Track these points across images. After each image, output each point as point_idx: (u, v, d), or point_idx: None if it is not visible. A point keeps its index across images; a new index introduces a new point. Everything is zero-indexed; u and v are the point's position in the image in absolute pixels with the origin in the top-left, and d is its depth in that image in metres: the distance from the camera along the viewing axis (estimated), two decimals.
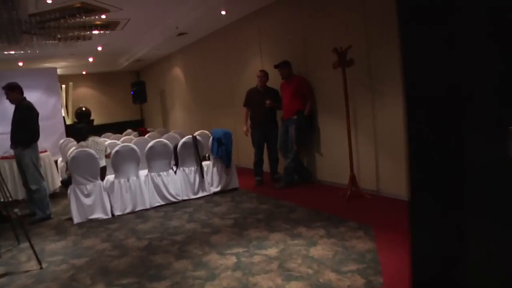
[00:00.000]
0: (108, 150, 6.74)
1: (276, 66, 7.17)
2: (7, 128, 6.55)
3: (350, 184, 6.04)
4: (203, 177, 6.98)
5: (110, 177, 6.54)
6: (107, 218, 6.28)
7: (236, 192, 7.16)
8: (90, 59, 13.98)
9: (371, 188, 6.13)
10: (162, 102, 14.86)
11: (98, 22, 9.18)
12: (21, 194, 7.60)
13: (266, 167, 7.63)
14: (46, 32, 9.19)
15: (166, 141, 6.79)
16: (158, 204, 6.65)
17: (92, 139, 6.67)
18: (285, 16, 7.68)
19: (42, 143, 8.87)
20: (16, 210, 4.68)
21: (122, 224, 5.93)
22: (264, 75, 7.45)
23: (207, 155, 7.35)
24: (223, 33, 9.88)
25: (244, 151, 8.13)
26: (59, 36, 9.74)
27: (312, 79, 7.03)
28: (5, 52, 11.08)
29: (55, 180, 8.34)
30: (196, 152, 6.94)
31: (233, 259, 4.17)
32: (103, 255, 4.72)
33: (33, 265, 4.60)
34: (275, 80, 7.38)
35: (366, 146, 6.15)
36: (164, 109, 14.72)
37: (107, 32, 9.97)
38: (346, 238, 4.45)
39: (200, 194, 6.97)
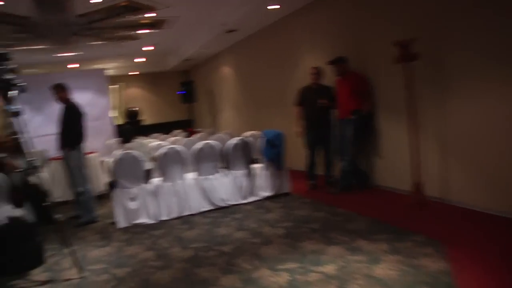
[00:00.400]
0: (155, 153, 6.47)
1: (330, 63, 6.67)
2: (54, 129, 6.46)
3: (414, 191, 5.46)
4: (253, 180, 6.58)
5: (155, 180, 6.26)
6: (152, 223, 6.00)
7: (287, 197, 6.70)
8: (142, 59, 13.99)
9: (437, 195, 5.52)
10: (211, 102, 14.63)
11: (144, 21, 9.01)
12: (70, 195, 7.47)
13: (320, 169, 7.13)
14: (93, 33, 9.13)
15: (214, 142, 6.43)
16: (205, 209, 6.30)
17: (137, 141, 6.43)
18: (338, 9, 7.17)
19: (91, 144, 8.84)
20: (59, 215, 4.44)
21: (167, 230, 5.61)
22: (317, 72, 6.96)
23: (257, 157, 6.93)
24: (273, 30, 9.46)
25: (296, 152, 7.67)
26: (106, 36, 9.66)
27: (368, 76, 6.49)
28: (56, 55, 11.18)
29: (102, 182, 8.19)
30: (246, 154, 6.55)
31: (286, 276, 3.73)
32: (146, 266, 4.40)
33: (74, 273, 4.37)
34: (329, 78, 6.88)
35: (433, 150, 5.53)
36: (213, 109, 14.48)
37: (154, 31, 9.80)
38: (414, 255, 3.91)
39: (250, 199, 6.57)
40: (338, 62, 6.61)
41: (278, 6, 7.99)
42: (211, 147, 6.34)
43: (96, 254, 4.97)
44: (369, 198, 6.18)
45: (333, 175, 6.99)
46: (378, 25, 6.26)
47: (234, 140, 6.54)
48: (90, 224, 6.38)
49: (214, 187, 6.34)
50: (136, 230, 5.77)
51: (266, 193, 6.68)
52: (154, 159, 6.36)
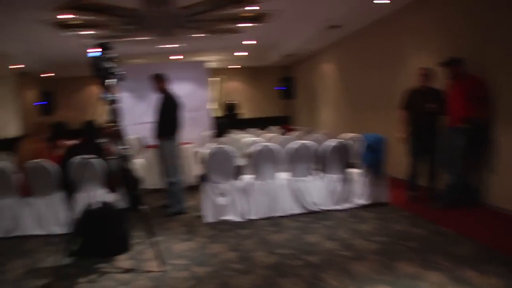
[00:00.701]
0: (248, 149, 6.29)
1: (443, 64, 6.00)
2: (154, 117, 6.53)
3: None
4: (349, 186, 6.16)
5: (246, 177, 6.08)
6: (239, 222, 5.83)
7: (385, 208, 6.17)
8: (243, 53, 14.01)
9: None
10: (310, 100, 14.28)
11: (247, 14, 8.88)
12: (163, 184, 7.57)
13: (422, 180, 6.50)
14: (196, 25, 9.18)
15: (311, 142, 6.09)
16: (295, 212, 6.00)
17: (232, 135, 6.29)
18: (454, 5, 6.46)
19: (188, 134, 8.93)
20: (145, 206, 4.40)
21: (254, 231, 5.40)
22: (426, 74, 6.31)
23: (355, 162, 6.48)
24: (379, 27, 8.87)
25: (397, 159, 7.07)
26: (209, 29, 9.70)
27: (487, 80, 5.75)
28: (160, 46, 11.49)
29: (194, 173, 8.22)
30: (343, 158, 6.14)
31: None
32: (227, 268, 4.22)
33: (156, 265, 4.33)
34: (440, 81, 6.23)
35: None
36: (312, 107, 14.11)
37: (256, 25, 9.65)
38: None
39: (344, 206, 6.15)
40: (452, 64, 5.94)
41: (387, 1, 7.43)
42: (306, 147, 6.01)
43: (180, 248, 4.90)
44: (477, 218, 5.49)
45: (437, 188, 6.33)
46: (503, 24, 5.51)
47: (332, 142, 6.16)
48: (178, 215, 6.38)
49: (306, 189, 6.02)
50: (222, 227, 5.63)
51: (362, 201, 6.22)
52: (247, 155, 6.19)
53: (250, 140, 7.17)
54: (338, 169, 6.17)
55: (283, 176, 6.10)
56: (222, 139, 6.13)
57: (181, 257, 4.61)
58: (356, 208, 6.16)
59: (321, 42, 11.51)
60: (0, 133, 9.82)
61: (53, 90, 14.44)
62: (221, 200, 5.89)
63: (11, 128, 10.45)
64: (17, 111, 11.00)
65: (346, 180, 6.17)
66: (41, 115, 13.53)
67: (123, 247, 4.89)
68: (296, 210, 6.02)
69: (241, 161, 6.12)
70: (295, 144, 6.04)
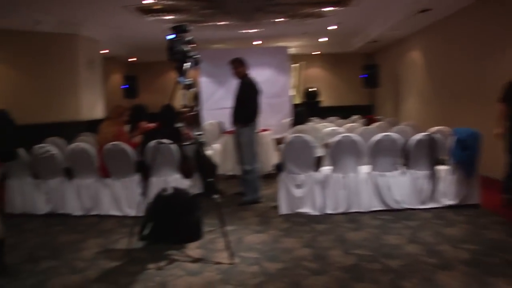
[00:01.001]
0: (327, 139, 5.97)
1: None
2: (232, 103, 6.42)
3: None
4: (435, 184, 5.65)
5: (325, 169, 5.76)
6: (316, 215, 5.55)
7: (475, 210, 5.57)
8: (323, 39, 13.57)
9: None
10: (394, 89, 13.55)
11: None
12: (239, 171, 7.47)
13: None
14: (278, 9, 8.90)
15: (396, 135, 5.62)
16: (375, 208, 5.60)
17: (311, 124, 5.99)
18: None
19: (267, 120, 8.74)
20: (216, 196, 4.26)
21: (331, 226, 5.10)
22: None
23: (444, 158, 5.94)
24: (475, 9, 8.05)
25: (492, 157, 6.39)
26: (291, 13, 9.38)
27: None
28: (241, 31, 11.35)
29: (272, 161, 8.03)
30: (431, 153, 5.62)
31: None
32: (300, 266, 3.97)
33: (225, 257, 4.17)
34: None
35: None
36: (396, 97, 13.39)
37: (339, 9, 9.20)
38: None
39: (429, 205, 5.66)
40: None
41: None
42: (392, 140, 5.56)
43: (251, 240, 4.72)
44: None
45: None
46: None
47: (418, 135, 5.66)
48: (253, 204, 6.22)
49: (389, 185, 5.59)
50: (297, 220, 5.38)
51: (449, 201, 5.68)
52: (326, 146, 5.87)
53: (330, 129, 6.82)
54: (424, 164, 5.67)
55: (364, 169, 5.71)
56: (301, 127, 5.83)
57: (252, 249, 4.43)
58: (442, 208, 5.63)
59: (408, 27, 10.78)
60: (88, 115, 10.21)
61: (135, 75, 14.88)
62: (297, 192, 5.64)
63: (97, 110, 10.85)
64: (103, 94, 11.41)
65: (433, 177, 5.66)
66: (124, 99, 13.99)
67: (194, 235, 4.80)
68: (377, 206, 5.62)
69: (320, 152, 5.81)
70: (379, 136, 5.62)
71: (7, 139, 3.88)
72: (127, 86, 14.37)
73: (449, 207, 5.64)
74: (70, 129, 8.94)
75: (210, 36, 11.64)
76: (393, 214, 5.45)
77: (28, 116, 9.23)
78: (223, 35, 11.97)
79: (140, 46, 13.36)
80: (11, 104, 8.89)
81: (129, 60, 15.82)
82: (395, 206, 5.60)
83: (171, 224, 4.75)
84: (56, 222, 5.80)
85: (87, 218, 5.92)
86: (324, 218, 5.45)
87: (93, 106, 10.68)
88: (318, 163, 5.75)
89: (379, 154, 5.59)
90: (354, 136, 5.66)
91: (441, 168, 5.76)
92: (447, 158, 5.83)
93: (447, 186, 5.71)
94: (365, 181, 5.64)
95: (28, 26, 8.95)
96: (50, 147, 6.04)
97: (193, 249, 4.52)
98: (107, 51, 12.49)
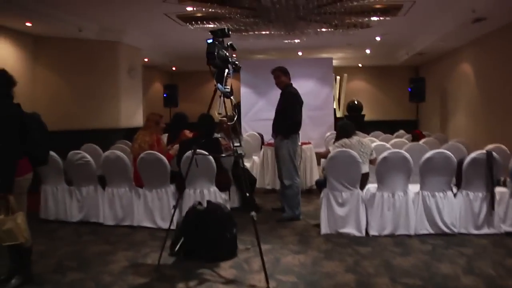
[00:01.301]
0: (374, 155, 5.58)
1: None
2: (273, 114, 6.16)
3: None
4: (493, 208, 5.13)
5: (371, 187, 5.37)
6: (359, 237, 5.15)
7: None
8: (368, 51, 13.16)
9: None
10: (441, 103, 12.94)
11: (378, 6, 8.07)
12: (278, 185, 7.16)
13: None
14: (322, 19, 8.58)
15: (449, 153, 5.17)
16: (425, 232, 5.14)
17: (357, 138, 5.61)
18: None
19: (308, 133, 8.44)
20: (254, 213, 3.94)
21: (376, 250, 4.69)
22: None
23: (502, 179, 5.43)
24: None
25: None
26: (336, 23, 9.04)
27: None
28: (285, 41, 11.08)
29: (313, 176, 7.67)
30: (489, 173, 5.13)
31: None
32: None
33: (261, 279, 3.85)
34: None
35: None
36: (443, 112, 12.78)
37: (387, 18, 8.79)
38: None
39: (485, 231, 5.15)
40: None
41: None
42: (445, 158, 5.09)
43: (289, 262, 4.37)
44: None
45: None
46: None
47: (475, 153, 5.19)
48: (292, 221, 5.87)
49: (440, 207, 5.13)
50: (339, 241, 5.00)
51: (509, 228, 5.17)
52: (373, 162, 5.47)
53: (376, 145, 6.43)
54: (481, 185, 5.18)
55: (412, 188, 5.28)
56: (346, 141, 5.46)
57: (290, 272, 4.08)
58: (501, 235, 5.12)
59: (459, 38, 10.21)
60: (127, 123, 10.17)
61: (175, 84, 14.85)
62: (340, 210, 5.26)
63: (137, 118, 10.81)
64: (142, 102, 11.37)
65: (491, 200, 5.16)
66: (164, 107, 13.96)
67: (228, 253, 4.49)
68: (426, 229, 5.16)
69: (366, 168, 5.41)
70: (430, 153, 5.18)
71: (38, 143, 3.71)
72: (167, 95, 14.35)
73: (508, 234, 5.12)
74: (109, 136, 8.88)
75: (251, 46, 11.42)
76: (445, 239, 4.98)
77: (68, 122, 9.27)
78: (264, 45, 11.73)
79: (181, 55, 13.32)
80: (52, 110, 9.05)
81: (170, 69, 15.85)
82: (446, 229, 5.12)
83: (204, 240, 4.47)
84: (88, 231, 5.64)
85: (119, 228, 5.73)
86: (368, 240, 5.04)
87: (133, 114, 10.63)
88: (363, 180, 5.36)
89: (430, 172, 5.15)
90: (403, 152, 5.24)
91: (500, 190, 5.25)
92: (506, 179, 5.33)
93: (506, 210, 5.20)
94: (414, 201, 5.21)
95: (71, 33, 8.98)
96: (85, 154, 5.90)
97: (226, 268, 4.22)
98: (148, 59, 12.51)
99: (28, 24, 8.17)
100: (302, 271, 4.12)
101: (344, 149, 5.28)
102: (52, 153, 5.86)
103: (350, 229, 5.24)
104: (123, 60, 10.17)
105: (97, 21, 9.01)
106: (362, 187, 5.35)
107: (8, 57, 8.39)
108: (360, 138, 5.67)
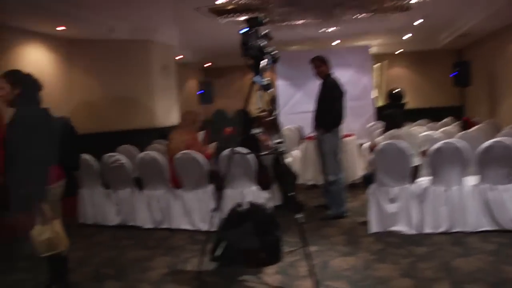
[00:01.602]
0: (425, 146, 5.15)
1: None
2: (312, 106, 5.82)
3: None
4: None
5: (423, 181, 4.97)
6: (412, 235, 4.76)
7: None
8: (408, 35, 12.57)
9: None
10: (489, 87, 12.23)
11: None
12: (321, 180, 6.82)
13: None
14: (359, 4, 8.14)
15: (509, 142, 4.70)
16: (485, 228, 4.68)
17: (406, 128, 5.22)
18: None
19: (349, 125, 8.05)
20: (299, 215, 3.64)
21: (432, 250, 4.30)
22: None
23: None
24: None
25: None
26: (373, 8, 8.58)
27: None
28: (320, 30, 10.69)
29: (357, 169, 7.28)
30: None
31: None
32: None
33: (309, 286, 3.56)
34: None
35: None
36: (493, 96, 12.06)
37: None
38: None
39: None
40: None
41: None
42: (506, 147, 4.64)
43: (339, 265, 4.06)
44: None
45: None
46: None
47: None
48: (337, 219, 5.54)
49: (502, 201, 4.65)
50: (391, 241, 4.63)
51: None
52: (424, 154, 5.05)
53: (426, 135, 5.99)
54: None
55: (470, 181, 4.85)
56: (394, 132, 5.08)
57: (341, 277, 3.77)
58: None
59: (508, 17, 9.55)
60: (162, 122, 10.03)
61: (210, 80, 14.65)
62: (390, 207, 4.89)
63: (172, 117, 10.66)
64: (178, 100, 11.22)
65: None
66: (199, 104, 13.79)
67: (272, 257, 4.19)
68: (487, 226, 4.70)
69: (417, 161, 5.00)
70: (489, 142, 4.72)
71: (68, 149, 3.54)
72: (203, 91, 14.18)
73: None
74: (145, 136, 8.75)
75: (286, 37, 11.04)
76: (509, 237, 4.52)
77: (104, 123, 9.20)
78: (300, 35, 11.34)
79: (215, 50, 13.11)
80: (88, 112, 9.01)
81: (204, 65, 15.68)
82: (510, 227, 4.66)
83: (246, 244, 4.19)
84: (126, 235, 5.52)
85: (157, 231, 5.56)
86: (422, 238, 4.64)
87: (168, 113, 10.48)
88: (414, 173, 4.96)
89: (489, 163, 4.70)
90: (458, 142, 4.81)
91: None
92: None
93: None
94: (471, 195, 4.77)
95: (102, 34, 8.88)
96: (120, 156, 5.75)
97: (271, 274, 3.95)
98: (181, 56, 12.35)
99: (62, 28, 8.13)
100: (353, 275, 3.80)
101: (393, 141, 4.89)
102: (87, 156, 5.76)
103: (401, 227, 4.87)
104: (156, 58, 10.01)
105: (128, 21, 8.87)
106: (413, 181, 4.95)
107: (44, 62, 8.40)
108: (409, 129, 5.28)
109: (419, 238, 4.65)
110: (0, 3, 6.20)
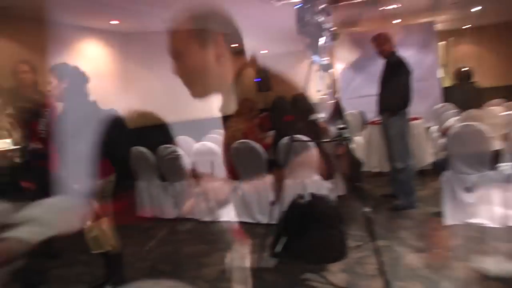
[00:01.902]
0: (506, 128, 4.61)
1: None
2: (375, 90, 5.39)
3: None
4: None
5: (506, 166, 4.43)
6: (495, 228, 4.25)
7: None
8: (477, 8, 11.64)
9: None
10: None
11: None
12: (387, 167, 6.38)
13: None
14: None
15: None
16: None
17: (485, 109, 4.69)
18: None
19: (415, 107, 7.53)
20: (366, 209, 3.29)
21: None
22: None
23: None
24: None
25: None
26: None
27: None
28: (380, 8, 10.10)
29: (426, 155, 6.75)
30: None
31: None
32: None
33: (380, 287, 3.18)
34: None
35: None
36: None
37: None
38: None
39: None
40: None
41: None
42: None
43: (412, 263, 3.68)
44: None
45: None
46: None
47: None
48: (407, 210, 5.10)
49: None
50: (470, 235, 4.16)
51: None
52: (506, 137, 4.51)
53: (507, 114, 5.40)
54: None
55: None
56: (471, 113, 4.58)
57: (415, 277, 3.39)
58: None
59: None
60: (219, 111, 9.92)
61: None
62: (468, 197, 4.41)
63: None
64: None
65: None
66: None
67: (337, 253, 3.86)
68: None
69: (498, 145, 4.47)
70: None
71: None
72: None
73: None
74: (202, 127, 8.64)
75: (344, 17, 10.57)
76: None
77: (162, 115, 9.17)
78: (358, 15, 10.81)
79: (270, 36, 12.80)
80: (145, 105, 9.00)
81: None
82: None
83: (308, 239, 3.88)
84: (183, 228, 5.35)
85: (215, 224, 5.37)
86: (508, 232, 4.13)
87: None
88: (495, 159, 4.44)
89: None
90: None
91: None
92: None
93: None
94: None
95: (156, 26, 8.81)
96: (176, 148, 5.61)
97: (336, 272, 3.63)
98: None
99: (115, 22, 8.15)
100: (430, 275, 3.40)
101: (470, 122, 4.39)
102: (142, 148, 5.67)
103: (482, 219, 4.38)
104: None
105: (180, 11, 8.77)
106: (494, 167, 4.43)
107: (100, 57, 8.50)
108: (489, 108, 4.74)
109: (504, 232, 4.14)
110: (56, 2, 6.25)
